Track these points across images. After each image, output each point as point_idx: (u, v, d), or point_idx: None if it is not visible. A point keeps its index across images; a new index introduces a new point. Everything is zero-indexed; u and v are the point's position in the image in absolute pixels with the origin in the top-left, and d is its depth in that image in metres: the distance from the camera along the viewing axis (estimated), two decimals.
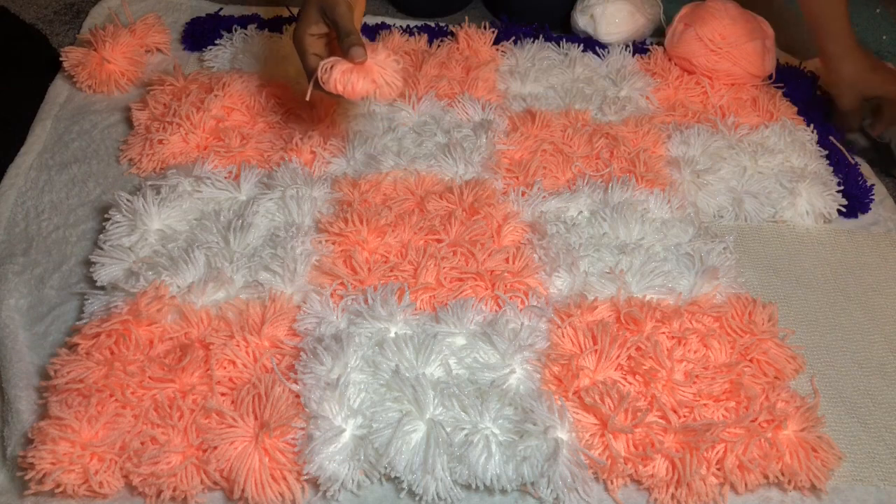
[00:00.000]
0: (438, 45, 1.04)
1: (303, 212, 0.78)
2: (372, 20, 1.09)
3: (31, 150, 0.87)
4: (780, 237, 0.86)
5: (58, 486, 0.58)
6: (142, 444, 0.60)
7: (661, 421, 0.64)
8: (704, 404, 0.66)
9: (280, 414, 0.61)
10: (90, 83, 0.95)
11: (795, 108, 0.99)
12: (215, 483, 0.60)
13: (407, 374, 0.64)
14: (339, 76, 0.72)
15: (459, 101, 0.94)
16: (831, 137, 0.96)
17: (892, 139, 0.94)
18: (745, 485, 0.62)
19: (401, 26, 1.08)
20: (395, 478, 0.61)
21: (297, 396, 0.63)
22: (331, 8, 0.72)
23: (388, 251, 0.75)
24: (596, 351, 0.67)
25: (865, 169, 0.95)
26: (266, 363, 0.66)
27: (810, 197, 0.87)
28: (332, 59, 0.72)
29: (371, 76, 0.72)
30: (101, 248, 0.75)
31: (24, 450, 0.59)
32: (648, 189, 0.84)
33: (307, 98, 0.74)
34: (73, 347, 0.66)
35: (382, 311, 0.68)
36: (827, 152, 0.94)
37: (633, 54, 1.05)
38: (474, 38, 1.04)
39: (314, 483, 0.60)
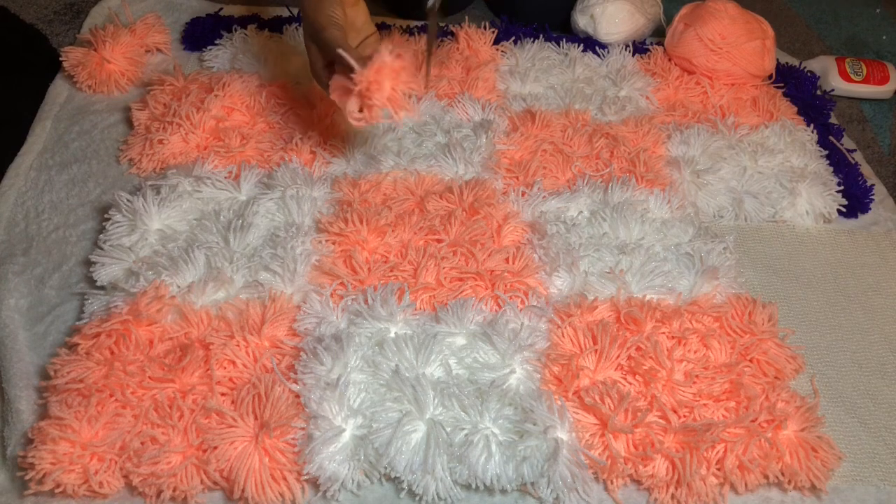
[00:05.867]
0: (438, 46, 1.04)
1: (303, 212, 0.78)
2: (372, 21, 1.09)
3: (31, 150, 0.87)
4: (780, 237, 0.86)
5: (58, 486, 0.58)
6: (142, 444, 0.60)
7: (661, 421, 0.64)
8: (704, 404, 0.66)
9: (280, 414, 0.61)
10: (90, 83, 0.94)
11: (795, 108, 0.99)
12: (215, 483, 0.60)
13: (407, 374, 0.64)
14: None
15: (459, 101, 0.94)
16: (831, 137, 0.96)
17: None
18: (745, 485, 0.62)
19: (401, 26, 1.08)
20: (395, 478, 0.61)
21: (297, 396, 0.63)
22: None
23: (388, 251, 0.75)
24: (596, 351, 0.67)
25: (865, 169, 0.96)
26: (266, 363, 0.66)
27: (810, 197, 0.87)
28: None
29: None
30: (101, 248, 0.75)
31: (24, 450, 0.59)
32: (648, 189, 0.84)
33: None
34: (73, 347, 0.66)
35: (382, 311, 0.68)
36: (827, 152, 0.94)
37: (633, 54, 1.05)
38: (474, 38, 1.04)
39: (314, 483, 0.60)
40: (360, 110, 0.70)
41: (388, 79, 0.68)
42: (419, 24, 1.09)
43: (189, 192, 0.80)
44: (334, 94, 0.72)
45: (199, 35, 1.03)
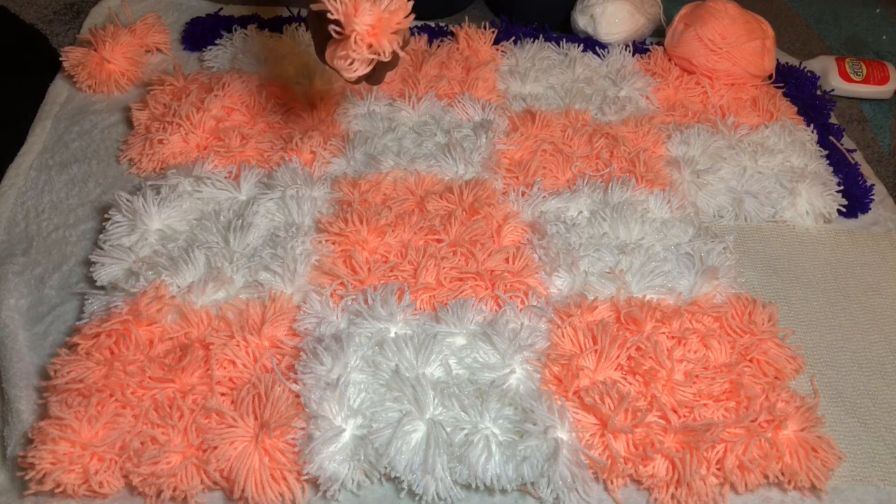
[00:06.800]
0: (438, 45, 1.04)
1: (303, 212, 0.78)
2: None
3: (31, 150, 0.87)
4: (780, 237, 0.86)
5: (58, 486, 0.58)
6: (142, 444, 0.60)
7: (661, 421, 0.64)
8: (704, 404, 0.66)
9: (280, 414, 0.61)
10: (90, 83, 0.94)
11: (795, 108, 0.99)
12: (215, 483, 0.60)
13: (407, 374, 0.64)
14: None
15: (459, 101, 0.94)
16: (831, 137, 0.96)
17: None
18: (745, 485, 0.62)
19: None
20: (395, 478, 0.61)
21: (297, 396, 0.63)
22: None
23: (388, 251, 0.75)
24: (596, 351, 0.67)
25: (865, 169, 0.96)
26: (266, 363, 0.66)
27: (810, 197, 0.87)
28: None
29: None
30: (101, 248, 0.75)
31: (24, 450, 0.59)
32: (648, 189, 0.84)
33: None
34: (73, 347, 0.66)
35: (382, 311, 0.68)
36: (827, 152, 0.94)
37: (633, 54, 1.05)
38: (474, 38, 1.04)
39: (314, 483, 0.60)
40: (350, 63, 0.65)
41: (368, 4, 0.63)
42: (418, 24, 1.09)
43: (189, 192, 0.80)
44: (328, 55, 0.67)
45: (199, 35, 1.03)
